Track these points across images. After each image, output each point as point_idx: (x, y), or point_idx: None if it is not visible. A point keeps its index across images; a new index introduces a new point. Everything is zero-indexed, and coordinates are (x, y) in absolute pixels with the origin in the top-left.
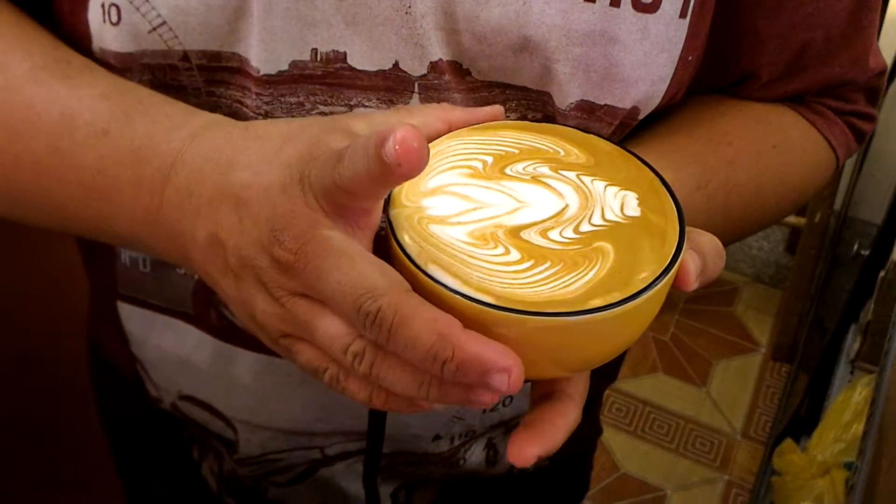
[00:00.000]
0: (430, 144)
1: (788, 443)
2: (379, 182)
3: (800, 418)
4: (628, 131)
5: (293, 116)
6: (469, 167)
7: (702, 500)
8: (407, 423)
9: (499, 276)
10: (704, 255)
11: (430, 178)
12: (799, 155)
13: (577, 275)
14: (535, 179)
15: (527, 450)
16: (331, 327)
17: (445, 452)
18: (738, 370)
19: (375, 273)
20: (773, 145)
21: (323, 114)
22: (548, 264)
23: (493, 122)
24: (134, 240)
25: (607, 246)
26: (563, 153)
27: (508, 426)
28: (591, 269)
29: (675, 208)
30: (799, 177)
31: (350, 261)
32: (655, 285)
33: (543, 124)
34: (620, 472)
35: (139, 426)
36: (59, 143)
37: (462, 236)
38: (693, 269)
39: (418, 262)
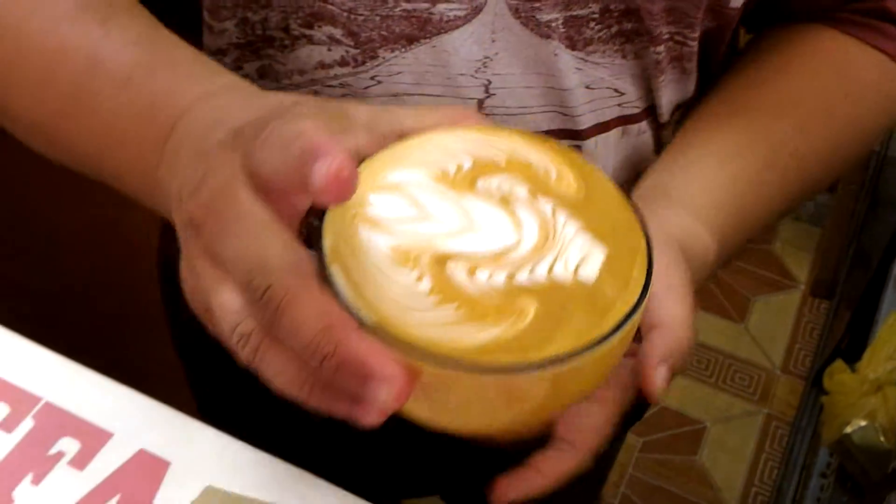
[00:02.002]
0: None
1: (839, 363)
2: (296, 191)
3: (841, 351)
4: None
5: (376, 11)
6: (441, 169)
7: (741, 433)
8: None
9: (396, 300)
10: (654, 355)
11: (395, 171)
12: (872, 93)
13: (477, 327)
14: (503, 201)
15: (507, 492)
16: (226, 301)
17: None
18: (777, 306)
19: (277, 247)
20: (844, 94)
21: (406, 10)
22: (454, 305)
23: (510, 129)
24: (144, 200)
25: (529, 307)
26: (554, 176)
27: None
28: (495, 327)
29: (642, 285)
30: (875, 117)
31: (254, 228)
32: (540, 369)
33: (558, 144)
34: (659, 405)
35: (210, 342)
36: (81, 87)
37: (385, 247)
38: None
39: (327, 258)
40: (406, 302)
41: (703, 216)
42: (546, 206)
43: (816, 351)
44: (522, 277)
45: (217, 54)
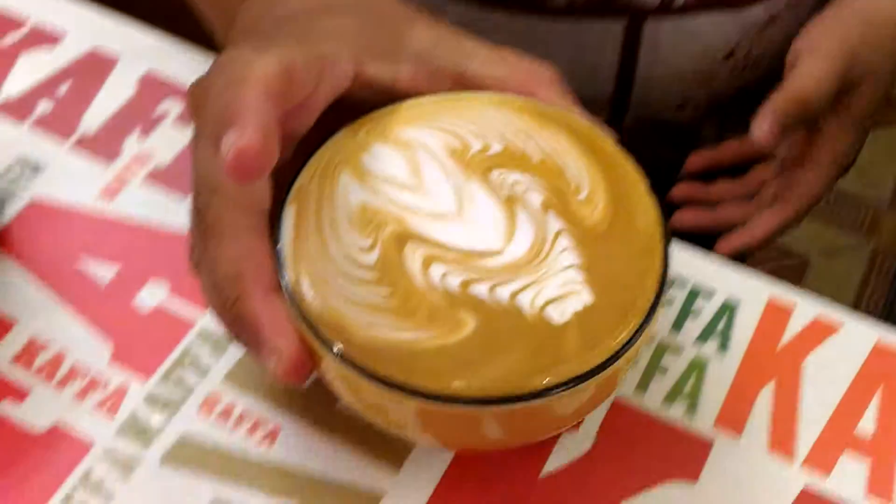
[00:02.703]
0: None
1: None
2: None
3: None
4: None
5: None
6: (463, 142)
7: (846, 266)
8: (655, 85)
9: (332, 263)
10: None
11: (415, 127)
12: None
13: (400, 322)
14: (509, 201)
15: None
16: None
17: (686, 123)
18: (886, 141)
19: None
20: None
21: None
22: (388, 290)
23: (573, 115)
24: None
25: (467, 324)
26: (583, 196)
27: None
28: (418, 329)
29: (609, 354)
30: None
31: (233, 113)
32: (411, 397)
33: (623, 155)
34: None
35: None
36: None
37: (355, 203)
38: None
39: (289, 195)
40: (341, 268)
41: None
42: (553, 225)
43: None
44: (480, 290)
45: None
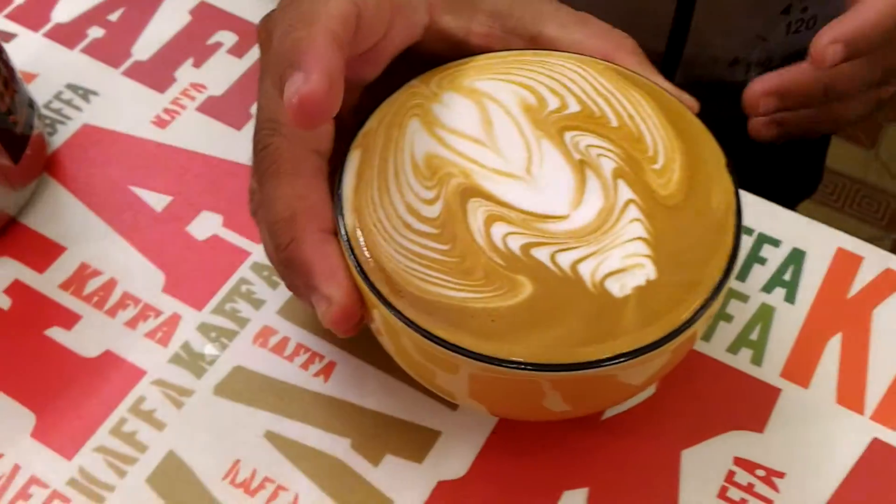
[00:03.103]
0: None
1: None
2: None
3: None
4: None
5: None
6: (539, 99)
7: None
8: (709, 41)
9: (392, 212)
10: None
11: (489, 80)
12: None
13: (455, 281)
14: (580, 166)
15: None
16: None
17: (738, 82)
18: None
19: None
20: None
21: None
22: (447, 246)
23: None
24: None
25: (524, 288)
26: (659, 165)
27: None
28: (473, 291)
29: (667, 332)
30: None
31: (300, 54)
32: (472, 361)
33: (700, 127)
34: None
35: None
36: None
37: (421, 152)
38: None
39: (356, 139)
40: (401, 218)
41: None
42: (624, 193)
43: None
44: (541, 254)
45: None
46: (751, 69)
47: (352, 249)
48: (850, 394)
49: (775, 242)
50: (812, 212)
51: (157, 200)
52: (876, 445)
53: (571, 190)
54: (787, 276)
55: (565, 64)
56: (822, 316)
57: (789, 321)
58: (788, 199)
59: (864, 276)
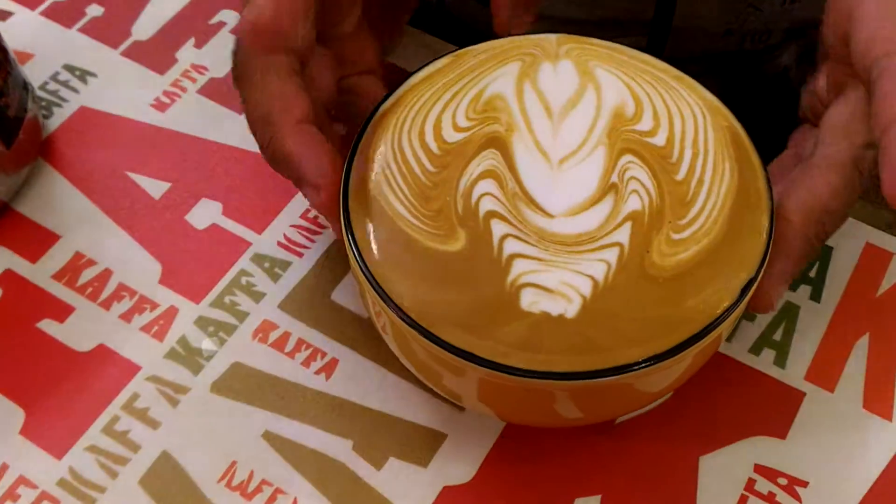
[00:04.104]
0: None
1: None
2: None
3: None
4: None
5: None
6: (636, 110)
7: None
8: (697, 11)
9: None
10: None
11: (609, 68)
12: None
13: (421, 216)
14: (612, 188)
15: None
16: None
17: (732, 54)
18: None
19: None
20: None
21: None
22: (435, 171)
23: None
24: None
25: (462, 240)
26: (682, 235)
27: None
28: (434, 234)
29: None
30: None
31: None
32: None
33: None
34: None
35: None
36: None
37: (496, 88)
38: None
39: (387, 101)
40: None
41: None
42: (619, 236)
43: None
44: (497, 229)
45: None
46: (745, 40)
47: (358, 258)
48: (878, 398)
49: None
50: None
51: (155, 187)
52: None
53: (580, 202)
54: (812, 273)
55: (690, 99)
56: (849, 315)
57: (815, 321)
58: None
59: (894, 274)
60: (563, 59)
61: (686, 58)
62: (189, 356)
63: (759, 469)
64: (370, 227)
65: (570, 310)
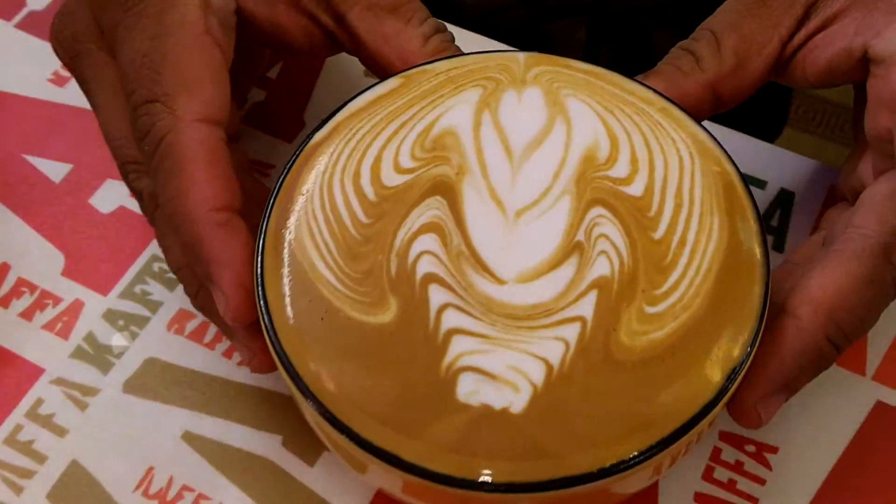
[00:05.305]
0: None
1: None
2: None
3: None
4: None
5: None
6: (611, 149)
7: None
8: None
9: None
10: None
11: (583, 98)
12: None
13: (346, 277)
14: (576, 247)
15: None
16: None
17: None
18: None
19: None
20: None
21: None
22: (368, 221)
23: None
24: None
25: (393, 309)
26: (656, 310)
27: None
28: (361, 301)
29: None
30: None
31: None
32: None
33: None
34: None
35: None
36: None
37: (449, 122)
38: None
39: (322, 130)
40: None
41: None
42: (582, 308)
43: None
44: (436, 296)
45: None
46: None
47: (273, 339)
48: (850, 353)
49: (760, 184)
50: (796, 141)
51: (54, 170)
52: (880, 409)
53: (536, 265)
54: (774, 222)
55: (676, 136)
56: None
57: None
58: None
59: None
60: (531, 85)
61: (626, 45)
62: (97, 354)
63: (723, 436)
64: (286, 289)
65: (517, 403)
